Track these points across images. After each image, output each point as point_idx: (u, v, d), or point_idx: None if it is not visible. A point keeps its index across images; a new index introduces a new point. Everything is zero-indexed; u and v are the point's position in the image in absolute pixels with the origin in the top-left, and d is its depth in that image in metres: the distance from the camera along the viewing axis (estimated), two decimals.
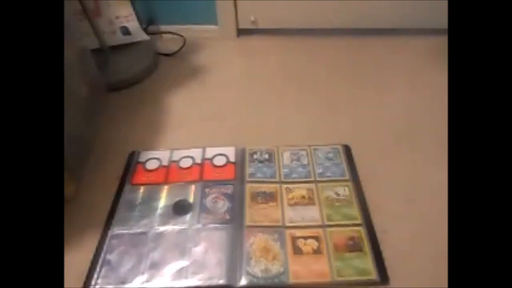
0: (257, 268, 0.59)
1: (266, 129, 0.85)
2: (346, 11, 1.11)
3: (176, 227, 0.65)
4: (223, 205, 0.68)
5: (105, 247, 0.63)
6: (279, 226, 0.64)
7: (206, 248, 0.61)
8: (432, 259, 0.59)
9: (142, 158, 0.78)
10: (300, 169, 0.74)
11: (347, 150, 0.78)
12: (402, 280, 0.57)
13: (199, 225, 0.65)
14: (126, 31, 1.05)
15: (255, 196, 0.69)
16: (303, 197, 0.69)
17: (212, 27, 1.18)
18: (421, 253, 0.60)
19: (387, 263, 0.59)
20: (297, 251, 0.61)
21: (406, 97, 0.93)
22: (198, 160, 0.76)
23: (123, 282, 0.58)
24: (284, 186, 0.71)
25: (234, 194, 0.70)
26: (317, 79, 1.00)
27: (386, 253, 0.60)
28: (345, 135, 0.81)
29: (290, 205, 0.68)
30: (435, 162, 0.73)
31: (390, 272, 0.58)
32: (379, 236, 0.62)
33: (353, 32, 1.15)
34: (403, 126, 0.84)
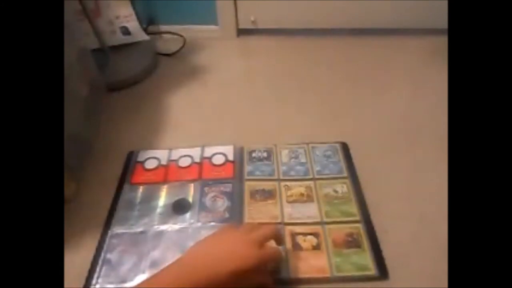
0: None
1: (265, 129, 0.85)
2: (346, 11, 1.11)
3: (176, 226, 0.65)
4: (222, 203, 0.68)
5: (105, 247, 0.63)
6: (278, 223, 0.64)
7: None
8: (432, 259, 0.59)
9: (141, 158, 0.78)
10: (298, 167, 0.74)
11: (345, 147, 0.78)
12: (402, 280, 0.57)
13: (199, 224, 0.65)
14: (126, 31, 1.05)
15: (254, 194, 0.69)
16: (301, 194, 0.69)
17: (212, 27, 1.18)
18: (421, 253, 0.60)
19: (387, 263, 0.59)
20: (297, 247, 0.61)
21: (405, 96, 0.93)
22: (197, 159, 0.76)
23: (124, 281, 0.58)
24: (283, 183, 0.71)
25: (233, 192, 0.70)
26: (316, 78, 1.00)
27: (386, 253, 0.60)
28: (345, 134, 0.81)
29: (289, 202, 0.68)
30: (435, 161, 0.73)
31: (390, 272, 0.58)
32: (379, 236, 0.62)
33: (353, 32, 1.15)
34: (402, 125, 0.84)
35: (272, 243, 0.57)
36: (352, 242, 0.61)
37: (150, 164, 0.76)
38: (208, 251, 0.52)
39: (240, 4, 1.12)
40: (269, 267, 0.56)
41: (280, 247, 0.59)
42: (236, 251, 0.51)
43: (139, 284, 0.49)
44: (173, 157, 0.77)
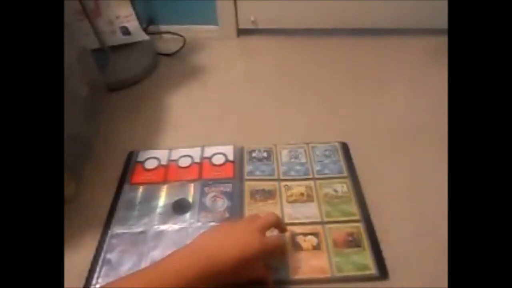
0: None
1: (265, 129, 0.85)
2: (346, 11, 1.11)
3: (176, 226, 0.65)
4: (222, 203, 0.68)
5: (105, 247, 0.63)
6: None
7: None
8: (432, 259, 0.59)
9: (141, 158, 0.78)
10: (298, 167, 0.74)
11: (345, 147, 0.78)
12: (402, 280, 0.57)
13: (199, 224, 0.65)
14: (126, 31, 1.05)
15: (254, 194, 0.69)
16: (301, 194, 0.69)
17: (212, 27, 1.18)
18: (421, 253, 0.60)
19: (387, 263, 0.59)
20: (297, 247, 0.61)
21: (405, 96, 0.93)
22: (197, 159, 0.76)
23: None
24: (283, 183, 0.71)
25: (233, 192, 0.70)
26: (316, 78, 1.00)
27: (386, 253, 0.60)
28: (345, 134, 0.81)
29: (289, 202, 0.68)
30: (435, 161, 0.73)
31: (390, 272, 0.58)
32: (379, 236, 0.62)
33: (353, 32, 1.15)
34: (402, 125, 0.84)
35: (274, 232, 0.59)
36: (352, 242, 0.61)
37: (150, 164, 0.76)
38: (210, 242, 0.53)
39: (240, 4, 1.12)
40: (272, 258, 0.57)
41: (282, 235, 0.60)
42: (239, 240, 0.52)
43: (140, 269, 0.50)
44: (173, 157, 0.77)
